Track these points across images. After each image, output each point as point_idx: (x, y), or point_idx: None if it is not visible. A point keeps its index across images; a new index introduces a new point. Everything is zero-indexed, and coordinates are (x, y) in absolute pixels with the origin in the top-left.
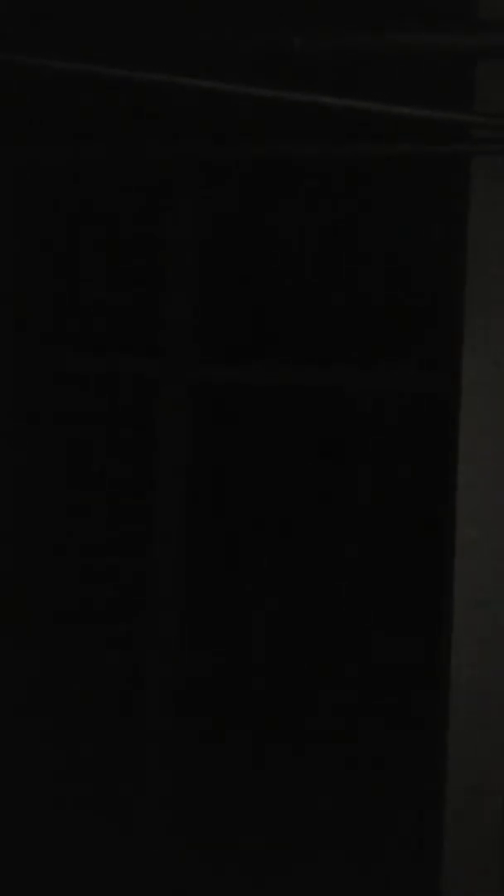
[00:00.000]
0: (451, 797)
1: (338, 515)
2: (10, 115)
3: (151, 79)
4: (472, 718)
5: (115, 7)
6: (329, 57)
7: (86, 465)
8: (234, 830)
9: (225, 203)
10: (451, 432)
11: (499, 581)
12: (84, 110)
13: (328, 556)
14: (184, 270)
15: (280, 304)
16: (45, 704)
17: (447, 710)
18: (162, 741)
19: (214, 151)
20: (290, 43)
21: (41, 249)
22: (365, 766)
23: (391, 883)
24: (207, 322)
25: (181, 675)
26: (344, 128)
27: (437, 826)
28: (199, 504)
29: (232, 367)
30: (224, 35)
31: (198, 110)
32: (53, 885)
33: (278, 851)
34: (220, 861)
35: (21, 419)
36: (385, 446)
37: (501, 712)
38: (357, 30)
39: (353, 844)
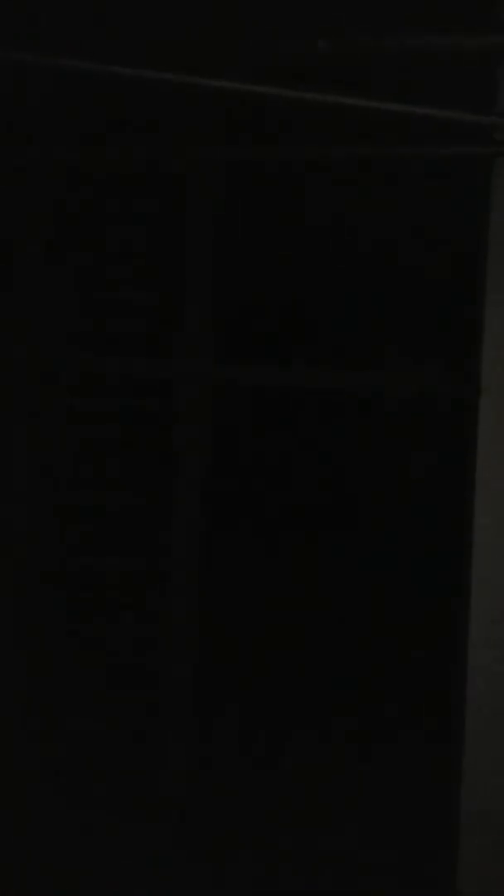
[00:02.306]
0: (466, 811)
1: (357, 519)
2: (25, 114)
3: (170, 79)
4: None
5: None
6: (351, 59)
7: (105, 466)
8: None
9: (244, 204)
10: (474, 435)
11: None
12: (98, 110)
13: (346, 559)
14: (202, 272)
15: (300, 306)
16: (63, 705)
17: (462, 724)
18: (180, 741)
19: (235, 152)
20: (314, 45)
21: (59, 252)
22: (377, 778)
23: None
24: (226, 324)
25: (200, 677)
26: (365, 129)
27: (451, 837)
28: (217, 505)
29: (252, 369)
30: (252, 37)
31: (218, 111)
32: (63, 883)
33: (285, 861)
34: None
35: (41, 421)
36: (406, 450)
37: None
38: (378, 31)
39: (365, 858)
